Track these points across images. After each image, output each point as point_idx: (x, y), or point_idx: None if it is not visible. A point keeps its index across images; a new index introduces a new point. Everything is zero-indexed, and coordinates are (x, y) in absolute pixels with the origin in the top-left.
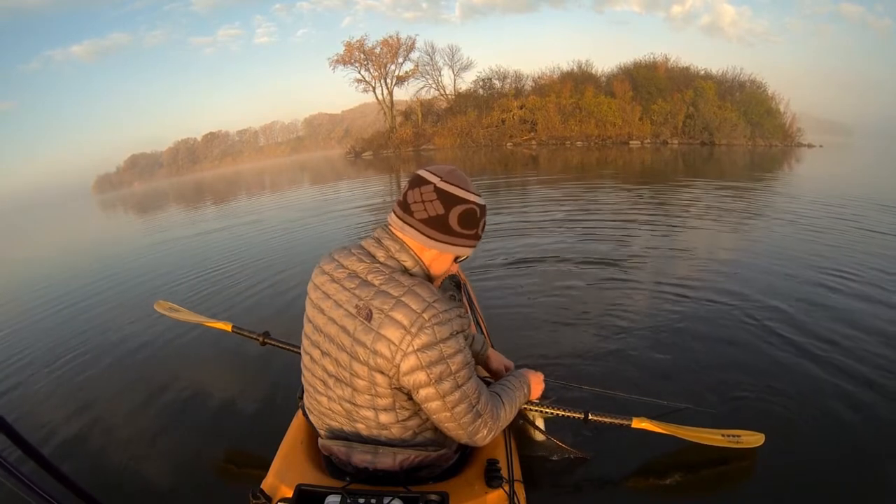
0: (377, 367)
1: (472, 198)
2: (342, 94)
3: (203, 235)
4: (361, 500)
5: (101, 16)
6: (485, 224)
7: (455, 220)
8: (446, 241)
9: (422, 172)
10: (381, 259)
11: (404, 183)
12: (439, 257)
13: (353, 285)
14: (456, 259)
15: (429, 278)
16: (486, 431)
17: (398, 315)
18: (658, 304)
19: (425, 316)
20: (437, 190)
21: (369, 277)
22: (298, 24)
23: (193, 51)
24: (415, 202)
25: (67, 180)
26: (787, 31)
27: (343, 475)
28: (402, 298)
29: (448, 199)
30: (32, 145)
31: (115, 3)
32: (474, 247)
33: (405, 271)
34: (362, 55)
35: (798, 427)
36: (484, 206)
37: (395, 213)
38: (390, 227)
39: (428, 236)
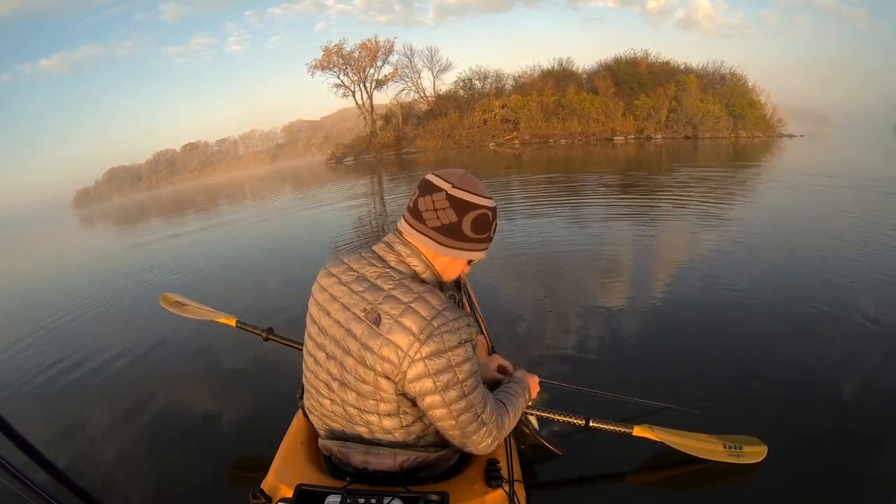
0: (383, 372)
1: (484, 202)
2: (321, 99)
3: (201, 236)
4: (361, 500)
5: (69, 27)
6: (496, 226)
7: (468, 227)
8: (459, 248)
9: (432, 178)
10: (392, 263)
11: (413, 188)
12: (452, 263)
13: (361, 289)
14: (469, 262)
15: (440, 283)
16: (489, 441)
17: (407, 321)
18: (661, 304)
19: (435, 323)
20: (450, 197)
21: (378, 281)
22: (271, 31)
23: (167, 60)
24: (426, 210)
25: (46, 195)
26: (762, 23)
27: (343, 475)
28: (412, 304)
29: (461, 207)
30: (9, 161)
31: (82, 13)
32: (487, 249)
33: (416, 276)
34: (341, 60)
35: (802, 437)
36: (495, 208)
37: (405, 219)
38: (402, 233)
39: (441, 244)
